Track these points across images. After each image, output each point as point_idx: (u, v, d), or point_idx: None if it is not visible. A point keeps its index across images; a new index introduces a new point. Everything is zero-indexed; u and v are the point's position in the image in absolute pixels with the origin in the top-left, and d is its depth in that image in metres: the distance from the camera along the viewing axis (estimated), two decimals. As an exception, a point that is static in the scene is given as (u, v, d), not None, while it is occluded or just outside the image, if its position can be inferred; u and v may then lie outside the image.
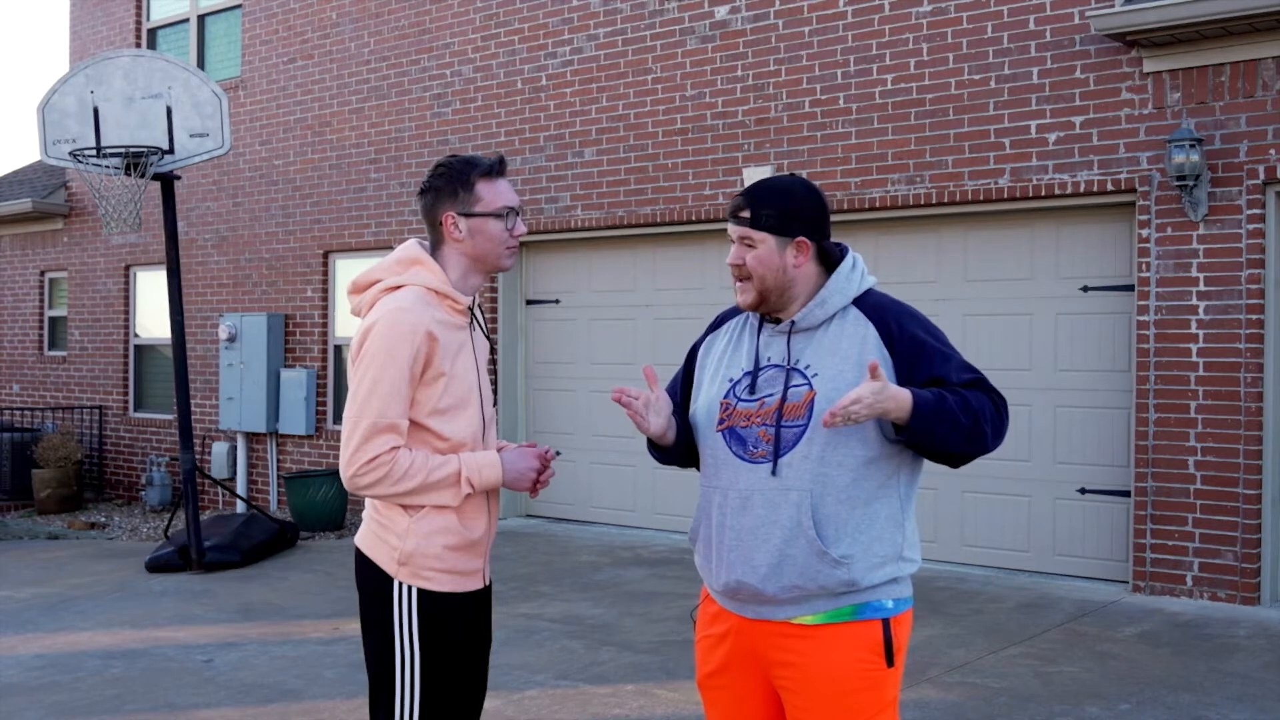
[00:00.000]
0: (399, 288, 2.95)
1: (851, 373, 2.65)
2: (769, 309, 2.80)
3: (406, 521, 2.93)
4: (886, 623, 2.64)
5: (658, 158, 9.71)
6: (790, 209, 2.73)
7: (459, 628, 2.98)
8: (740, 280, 2.78)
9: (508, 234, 3.02)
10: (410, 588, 2.93)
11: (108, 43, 14.14)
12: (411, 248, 3.01)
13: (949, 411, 2.57)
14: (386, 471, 2.86)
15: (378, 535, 2.97)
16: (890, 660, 2.62)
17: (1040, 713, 5.15)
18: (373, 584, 2.96)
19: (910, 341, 2.68)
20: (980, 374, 2.68)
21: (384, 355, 2.86)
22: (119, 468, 14.06)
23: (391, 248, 11.56)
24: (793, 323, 2.76)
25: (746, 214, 2.74)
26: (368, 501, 3.03)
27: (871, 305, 2.74)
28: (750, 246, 2.74)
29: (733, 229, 2.79)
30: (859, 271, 2.77)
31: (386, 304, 2.92)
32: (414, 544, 2.93)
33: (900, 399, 2.54)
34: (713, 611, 2.83)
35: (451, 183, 2.99)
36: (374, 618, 2.96)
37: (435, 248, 3.04)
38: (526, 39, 10.53)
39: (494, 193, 3.00)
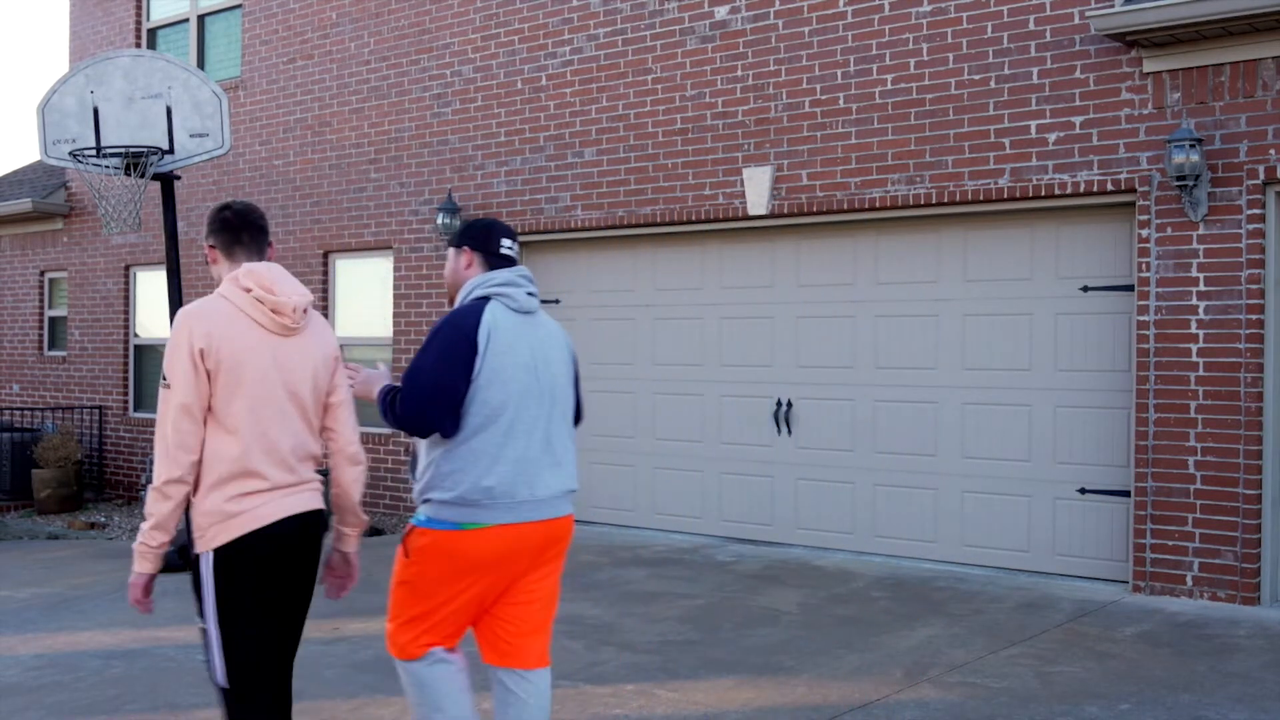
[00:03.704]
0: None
1: None
2: None
3: None
4: (412, 529, 3.73)
5: (658, 158, 9.71)
6: (459, 229, 3.94)
7: None
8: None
9: None
10: None
11: (108, 43, 14.14)
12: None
13: (382, 402, 3.74)
14: None
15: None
16: (407, 554, 3.73)
17: (1040, 713, 5.15)
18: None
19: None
20: (408, 379, 3.64)
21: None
22: (119, 468, 14.06)
23: (391, 248, 11.61)
24: None
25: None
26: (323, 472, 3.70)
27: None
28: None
29: None
30: (469, 288, 3.81)
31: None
32: None
33: (373, 387, 3.81)
34: None
35: None
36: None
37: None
38: (526, 39, 10.53)
39: None
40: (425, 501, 3.70)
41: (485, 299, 3.75)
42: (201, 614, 3.39)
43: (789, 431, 9.27)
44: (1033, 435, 8.16)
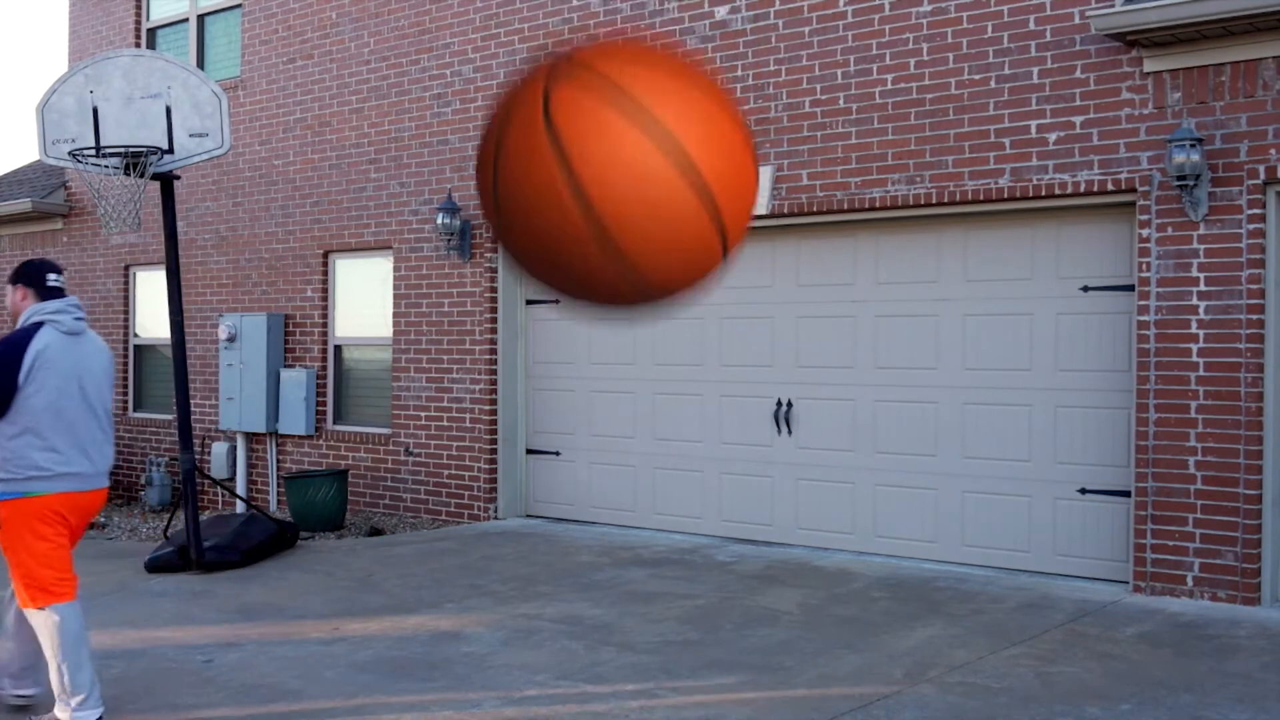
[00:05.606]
0: None
1: None
2: None
3: None
4: None
5: (658, 158, 9.68)
6: (15, 270, 5.09)
7: None
8: None
9: None
10: None
11: (107, 43, 14.13)
12: None
13: None
14: None
15: None
16: (1, 525, 4.88)
17: (1040, 713, 5.14)
18: None
19: None
20: None
21: None
22: (119, 468, 14.05)
23: (391, 247, 11.59)
24: None
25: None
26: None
27: None
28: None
29: None
30: (27, 315, 5.01)
31: None
32: None
33: None
34: None
35: None
36: None
37: None
38: (526, 39, 10.52)
39: None
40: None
41: (40, 324, 4.96)
42: None
43: (789, 431, 9.27)
44: (1033, 435, 8.16)
